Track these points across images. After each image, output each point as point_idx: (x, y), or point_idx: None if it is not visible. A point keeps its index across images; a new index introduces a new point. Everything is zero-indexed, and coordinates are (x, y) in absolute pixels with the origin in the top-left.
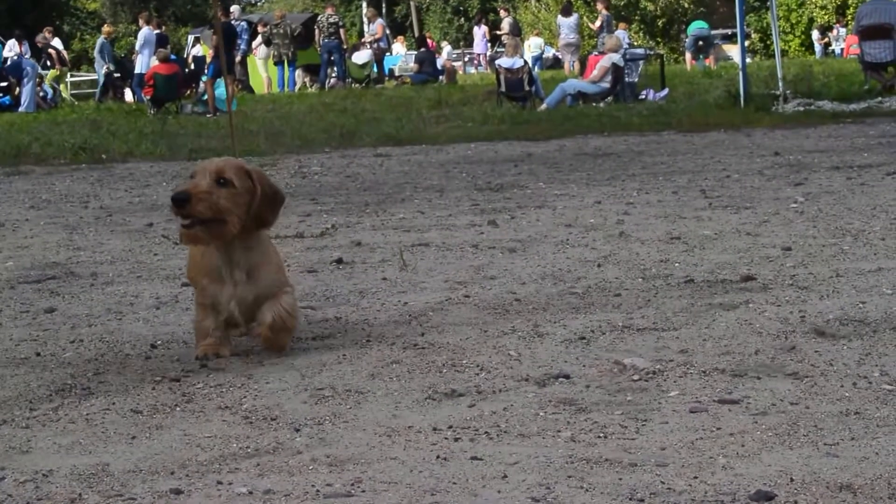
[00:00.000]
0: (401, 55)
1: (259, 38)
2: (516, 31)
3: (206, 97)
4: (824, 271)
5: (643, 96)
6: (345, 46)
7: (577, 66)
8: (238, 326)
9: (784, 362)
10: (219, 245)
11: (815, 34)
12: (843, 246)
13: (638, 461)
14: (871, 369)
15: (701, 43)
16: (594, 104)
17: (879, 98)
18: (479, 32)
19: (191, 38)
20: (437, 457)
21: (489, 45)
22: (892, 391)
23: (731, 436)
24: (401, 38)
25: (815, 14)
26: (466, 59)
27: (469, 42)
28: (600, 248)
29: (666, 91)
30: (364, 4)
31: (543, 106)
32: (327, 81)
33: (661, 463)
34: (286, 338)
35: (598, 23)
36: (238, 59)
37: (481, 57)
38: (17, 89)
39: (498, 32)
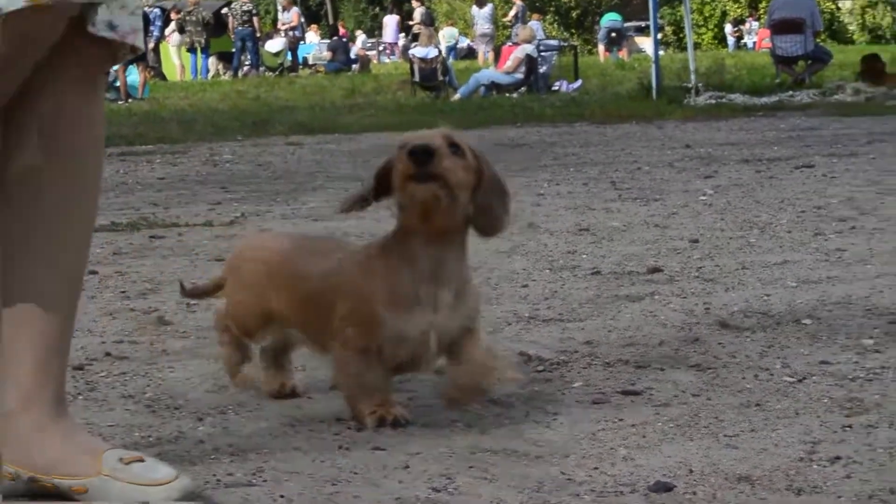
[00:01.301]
0: (315, 44)
1: (172, 25)
2: (429, 20)
3: (118, 84)
4: (730, 263)
5: (556, 87)
6: (258, 34)
7: (491, 56)
8: (412, 370)
9: (687, 354)
10: (427, 247)
11: (728, 27)
12: (749, 238)
13: (540, 452)
14: (773, 361)
15: (614, 35)
16: (507, 95)
17: (790, 92)
18: (391, 22)
19: None
20: (340, 447)
21: (401, 34)
22: (792, 383)
23: (633, 427)
24: (315, 26)
25: (727, 7)
26: (381, 48)
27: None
28: (509, 238)
29: (579, 82)
30: None
31: (457, 96)
32: (240, 69)
33: (564, 454)
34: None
35: (512, 13)
36: (151, 45)
37: (394, 46)
38: None
39: (410, 23)
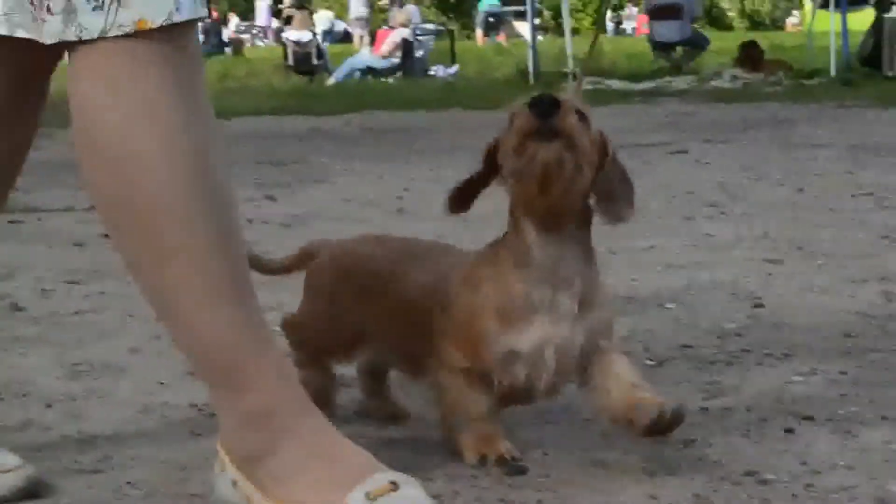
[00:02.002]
0: None
1: None
2: (298, 3)
3: None
4: (599, 247)
5: (433, 72)
6: None
7: (366, 40)
8: (527, 398)
9: None
10: (542, 240)
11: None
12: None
13: (394, 436)
14: (636, 345)
15: (492, 19)
16: (383, 79)
17: (667, 77)
18: (263, 5)
19: None
20: (191, 432)
21: (274, 17)
22: (653, 366)
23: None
24: None
25: None
26: (255, 31)
27: None
28: (377, 223)
29: (456, 68)
30: None
31: (332, 80)
32: None
33: (417, 438)
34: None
35: None
36: None
37: (267, 30)
38: None
39: (281, 6)
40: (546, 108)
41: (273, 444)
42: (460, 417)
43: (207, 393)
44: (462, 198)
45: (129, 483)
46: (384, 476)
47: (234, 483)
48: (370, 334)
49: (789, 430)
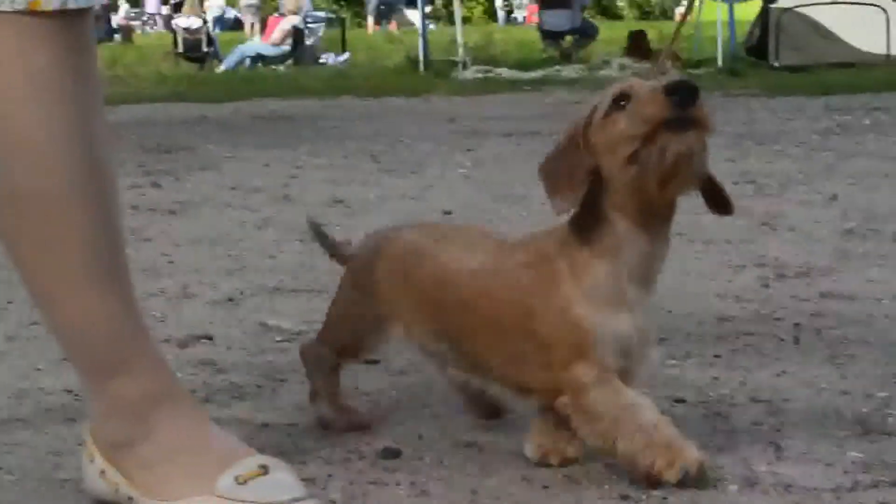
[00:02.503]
0: None
1: None
2: None
3: None
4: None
5: (323, 60)
6: None
7: (257, 27)
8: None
9: None
10: (637, 234)
11: (499, 1)
12: (502, 211)
13: (270, 421)
14: None
15: (384, 7)
16: (273, 67)
17: (557, 67)
18: None
19: None
20: (66, 418)
21: (164, 4)
22: None
23: (367, 395)
24: None
25: None
26: (144, 18)
27: None
28: (262, 210)
29: (347, 55)
30: None
31: (222, 68)
32: None
33: (293, 423)
34: None
35: None
36: None
37: (157, 17)
38: None
39: None
40: (687, 95)
41: (141, 431)
42: (633, 431)
43: (78, 379)
44: (571, 193)
45: (1, 468)
46: (254, 460)
47: (102, 473)
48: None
49: (662, 413)
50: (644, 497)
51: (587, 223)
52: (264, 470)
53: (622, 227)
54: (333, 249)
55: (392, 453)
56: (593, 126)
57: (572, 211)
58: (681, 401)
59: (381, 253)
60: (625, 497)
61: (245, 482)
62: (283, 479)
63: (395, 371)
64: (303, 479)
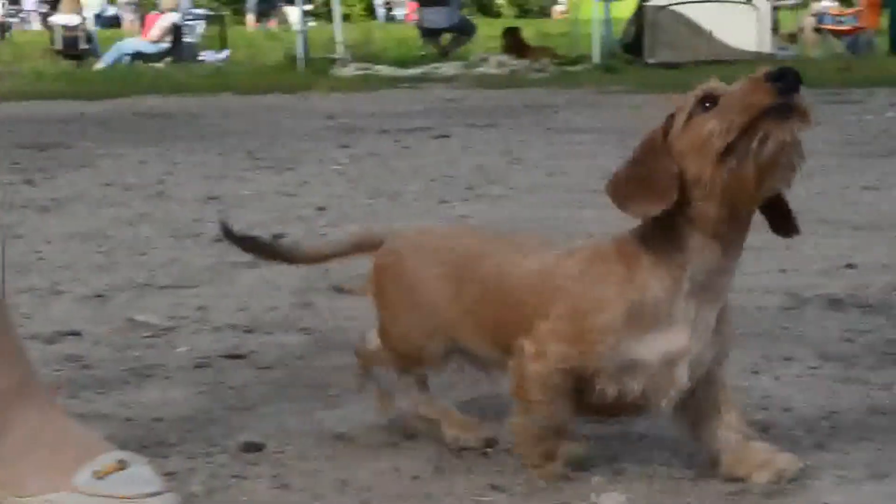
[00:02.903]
0: None
1: None
2: None
3: None
4: (353, 230)
5: (203, 58)
6: None
7: (136, 24)
8: (636, 411)
9: (298, 318)
10: (710, 243)
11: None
12: (376, 206)
13: (134, 415)
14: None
15: (264, 5)
16: (152, 64)
17: (435, 64)
18: None
19: None
20: None
21: (41, 0)
22: None
23: (232, 389)
24: None
25: None
26: (22, 14)
27: None
28: (136, 207)
29: (226, 53)
30: None
31: (100, 65)
32: None
33: (157, 418)
34: None
35: None
36: None
37: (35, 13)
38: None
39: None
40: (792, 82)
41: None
42: (537, 418)
43: None
44: (643, 197)
45: None
46: (112, 455)
47: None
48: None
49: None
50: (511, 486)
51: (655, 233)
52: (122, 464)
53: (696, 241)
54: (292, 254)
55: (254, 447)
56: (675, 131)
57: (640, 221)
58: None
59: (431, 253)
60: (494, 486)
61: (103, 477)
62: (142, 473)
63: (261, 365)
64: (164, 474)
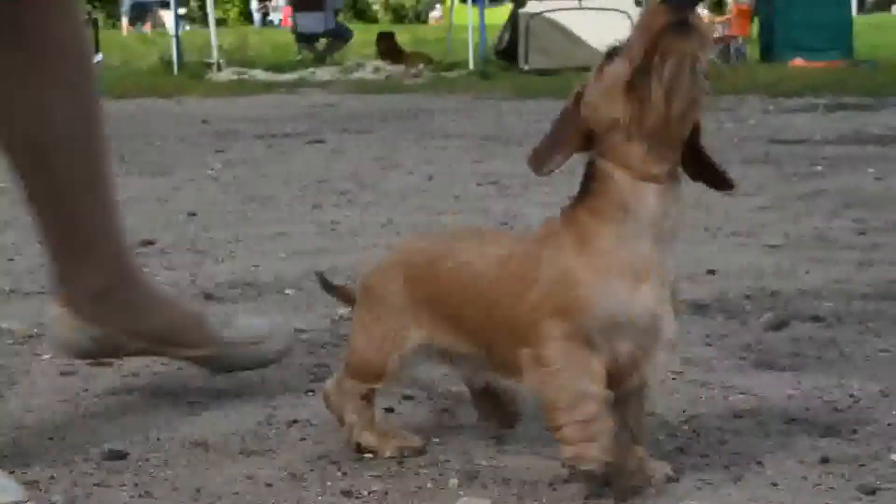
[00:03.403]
0: None
1: None
2: None
3: None
4: (224, 236)
5: None
6: None
7: None
8: (628, 378)
9: None
10: (638, 183)
11: (254, 3)
12: (248, 212)
13: None
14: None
15: (138, 8)
16: None
17: (311, 69)
18: None
19: None
20: None
21: None
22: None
23: (97, 397)
24: None
25: None
26: None
27: None
28: (2, 213)
29: (100, 56)
30: None
31: None
32: None
33: (20, 426)
34: None
35: None
36: None
37: None
38: None
39: None
40: (685, 1)
41: None
42: (573, 402)
43: None
44: (548, 155)
45: None
46: None
47: None
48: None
49: (389, 410)
50: (365, 493)
51: (598, 195)
52: None
53: (626, 184)
54: (341, 294)
55: (117, 455)
56: (587, 89)
57: (577, 189)
58: (409, 398)
59: (398, 264)
60: (346, 493)
61: None
62: (1, 483)
63: (126, 373)
64: (25, 483)
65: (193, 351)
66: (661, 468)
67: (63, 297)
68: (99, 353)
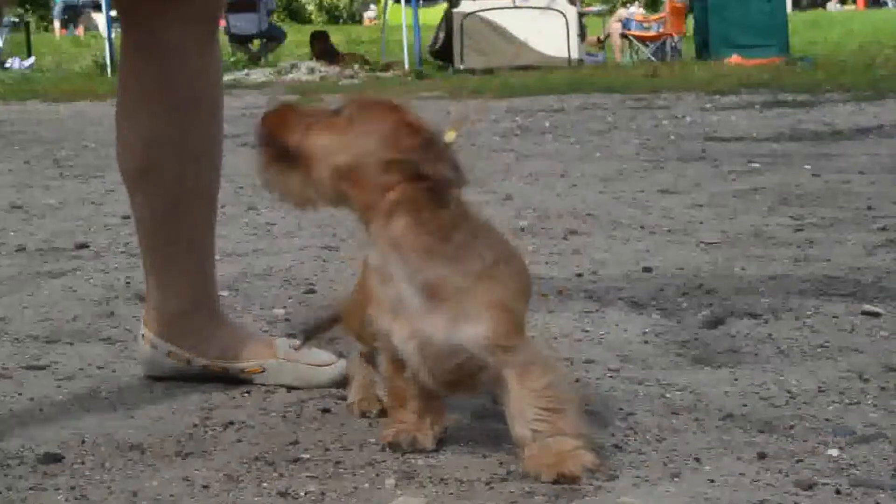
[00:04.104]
0: None
1: None
2: None
3: None
4: None
5: (8, 65)
6: None
7: None
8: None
9: (100, 327)
10: (367, 234)
11: None
12: None
13: None
14: None
15: (70, 11)
16: None
17: (245, 71)
18: None
19: None
20: None
21: None
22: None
23: (32, 400)
24: None
25: None
26: None
27: None
28: None
29: (32, 59)
30: None
31: None
32: None
33: None
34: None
35: None
36: None
37: None
38: None
39: None
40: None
41: None
42: (392, 397)
43: None
44: None
45: None
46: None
47: None
48: None
49: (326, 410)
50: (302, 493)
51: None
52: None
53: (362, 233)
54: (322, 328)
55: (53, 458)
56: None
57: None
58: (343, 399)
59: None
60: (283, 494)
61: None
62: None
63: (63, 376)
64: None
65: (247, 363)
66: (578, 462)
67: (148, 318)
68: (171, 369)
